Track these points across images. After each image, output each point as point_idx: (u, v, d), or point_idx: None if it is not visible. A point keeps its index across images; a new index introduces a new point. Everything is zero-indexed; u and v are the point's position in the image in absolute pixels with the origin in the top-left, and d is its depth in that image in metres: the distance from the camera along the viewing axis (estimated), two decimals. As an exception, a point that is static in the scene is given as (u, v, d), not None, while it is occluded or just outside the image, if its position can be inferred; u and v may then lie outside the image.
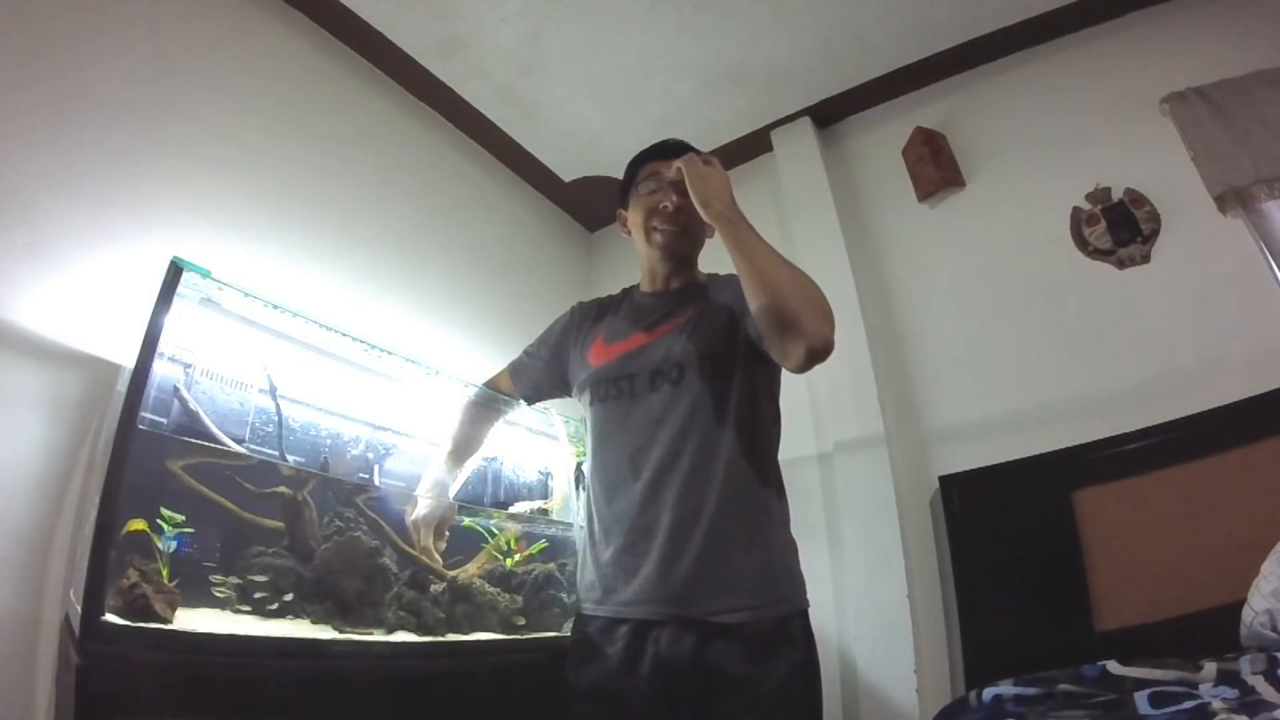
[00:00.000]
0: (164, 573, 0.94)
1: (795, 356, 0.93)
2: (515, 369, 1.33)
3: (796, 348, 0.92)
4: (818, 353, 0.91)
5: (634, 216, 1.20)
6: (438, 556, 1.24)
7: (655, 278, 1.21)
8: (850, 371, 2.00)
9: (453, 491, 1.27)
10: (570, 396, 1.26)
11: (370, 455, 1.52)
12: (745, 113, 2.43)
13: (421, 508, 1.22)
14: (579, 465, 1.58)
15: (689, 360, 1.05)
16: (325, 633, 1.03)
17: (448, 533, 1.25)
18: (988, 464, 1.79)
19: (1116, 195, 1.89)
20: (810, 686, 0.97)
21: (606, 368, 1.13)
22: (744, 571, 0.96)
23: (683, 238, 1.16)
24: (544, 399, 1.34)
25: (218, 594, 1.02)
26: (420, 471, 1.56)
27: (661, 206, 1.14)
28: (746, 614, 0.94)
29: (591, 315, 1.25)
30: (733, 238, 1.00)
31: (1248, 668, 1.11)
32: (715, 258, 1.27)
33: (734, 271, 1.21)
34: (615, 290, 1.29)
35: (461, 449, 1.32)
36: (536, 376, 1.29)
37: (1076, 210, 1.94)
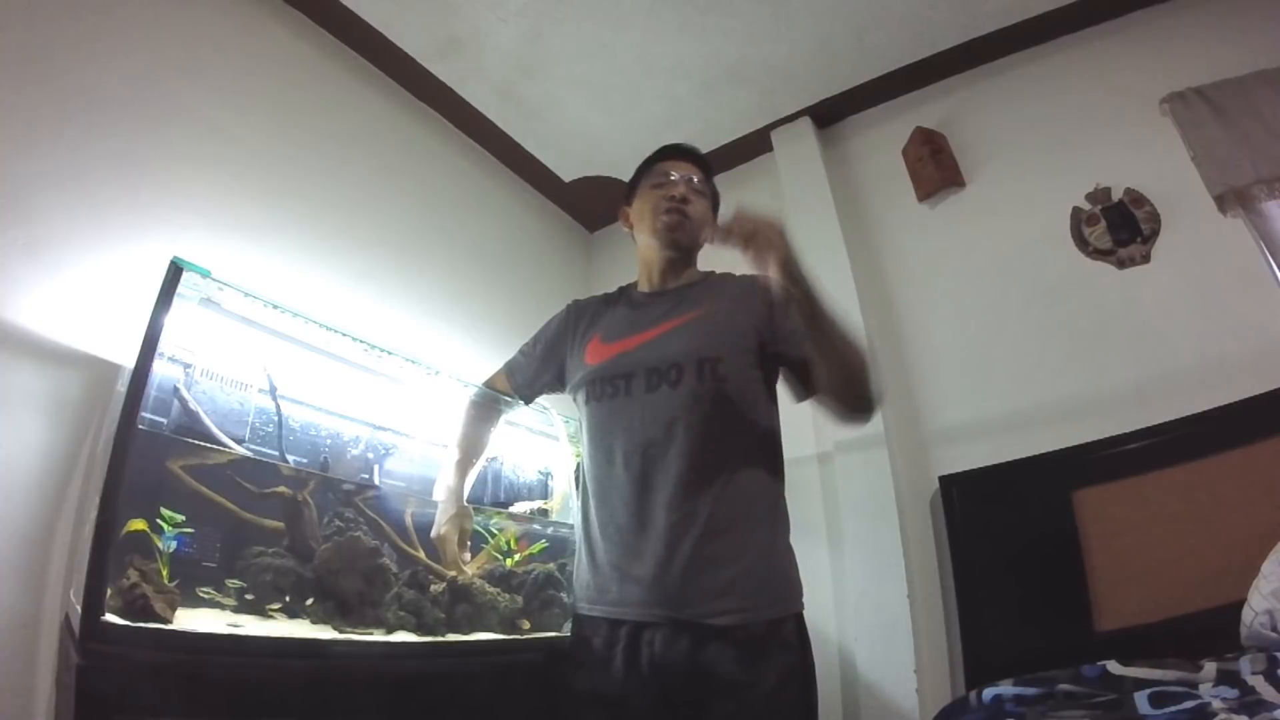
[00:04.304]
0: (164, 573, 0.94)
1: (852, 423, 1.06)
2: (512, 368, 1.33)
3: (858, 421, 1.05)
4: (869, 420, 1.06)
5: (639, 208, 1.22)
6: (466, 569, 1.24)
7: (653, 275, 1.21)
8: (850, 371, 2.00)
9: (464, 498, 1.26)
10: (566, 393, 1.26)
11: (370, 455, 1.52)
12: (745, 113, 2.43)
13: (444, 522, 1.20)
14: (579, 465, 1.58)
15: (687, 361, 1.05)
16: (325, 633, 1.03)
17: (470, 542, 1.25)
18: (988, 464, 1.79)
19: (1116, 195, 1.89)
20: (803, 690, 0.96)
21: (603, 367, 1.12)
22: (737, 574, 0.96)
23: (687, 226, 1.17)
24: (540, 395, 1.33)
25: (215, 598, 1.02)
26: (421, 472, 1.57)
27: (669, 196, 1.16)
28: (738, 617, 0.94)
29: (588, 313, 1.24)
30: (814, 312, 0.95)
31: (1248, 668, 1.11)
32: (709, 255, 1.28)
33: (732, 271, 1.22)
34: (614, 290, 1.29)
35: (470, 453, 1.30)
36: (532, 375, 1.29)
37: (1076, 210, 1.94)
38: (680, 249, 1.18)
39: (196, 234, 1.51)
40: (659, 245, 1.18)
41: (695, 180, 1.21)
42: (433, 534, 1.21)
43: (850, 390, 1.02)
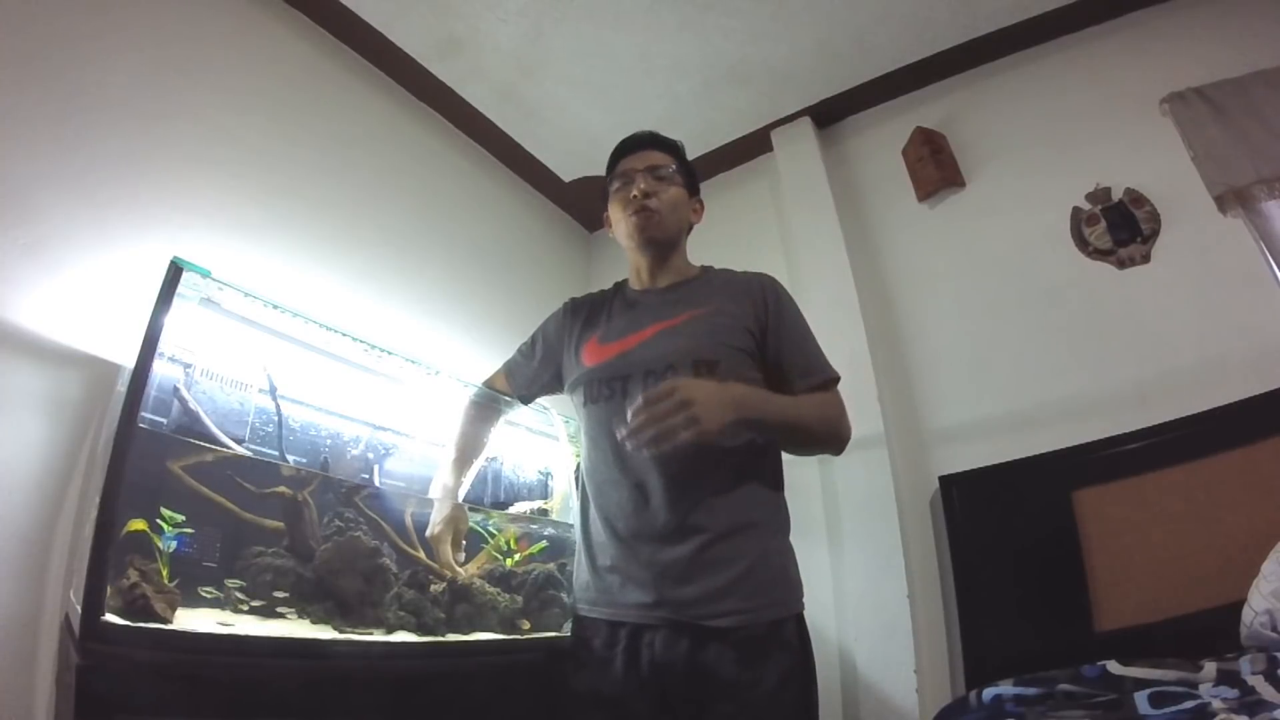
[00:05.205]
0: (164, 573, 0.94)
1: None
2: (510, 368, 1.33)
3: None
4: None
5: (611, 215, 1.22)
6: (459, 570, 1.23)
7: (642, 274, 1.21)
8: (850, 371, 1.96)
9: (460, 497, 1.26)
10: (564, 393, 1.25)
11: (370, 455, 1.52)
12: (745, 113, 2.43)
13: (439, 522, 1.19)
14: (579, 465, 1.58)
15: (682, 362, 1.04)
16: (325, 633, 1.03)
17: (464, 542, 1.24)
18: (988, 464, 1.79)
19: (1116, 195, 1.89)
20: (803, 690, 0.96)
21: (600, 368, 1.12)
22: (736, 575, 0.96)
23: (655, 219, 1.15)
24: (539, 396, 1.33)
25: (217, 597, 1.02)
26: (421, 472, 1.57)
27: (632, 195, 1.15)
28: (738, 618, 0.94)
29: (584, 313, 1.24)
30: (768, 431, 1.04)
31: (1248, 668, 1.11)
32: (709, 255, 1.28)
33: (729, 266, 1.22)
34: (609, 287, 1.29)
35: (467, 453, 1.30)
36: (530, 375, 1.29)
37: (1076, 210, 1.94)
38: (657, 244, 1.17)
39: (196, 234, 1.50)
40: (635, 248, 1.18)
41: (657, 167, 1.18)
42: (427, 534, 1.20)
43: (820, 454, 1.16)
